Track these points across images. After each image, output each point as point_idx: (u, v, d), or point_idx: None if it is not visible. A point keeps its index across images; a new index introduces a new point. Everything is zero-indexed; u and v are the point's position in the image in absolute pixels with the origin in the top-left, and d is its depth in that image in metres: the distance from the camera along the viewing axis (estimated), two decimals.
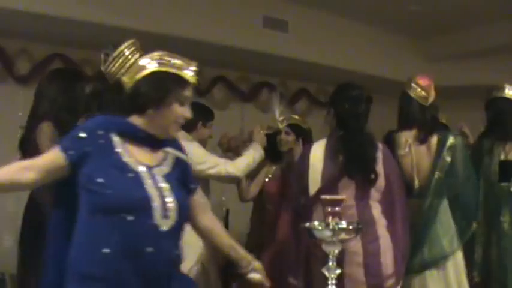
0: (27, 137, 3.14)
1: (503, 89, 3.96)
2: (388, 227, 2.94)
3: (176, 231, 2.05)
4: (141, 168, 2.04)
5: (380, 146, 3.01)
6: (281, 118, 4.16)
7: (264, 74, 6.80)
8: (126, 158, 2.04)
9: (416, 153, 3.42)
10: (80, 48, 5.38)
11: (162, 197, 2.02)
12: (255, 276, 2.17)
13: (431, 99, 3.51)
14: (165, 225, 1.99)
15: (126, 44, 2.74)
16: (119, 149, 2.05)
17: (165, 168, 2.12)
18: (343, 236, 1.76)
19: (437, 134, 3.46)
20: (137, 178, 2.02)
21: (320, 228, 1.77)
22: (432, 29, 6.93)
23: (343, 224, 1.75)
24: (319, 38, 6.35)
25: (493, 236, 3.81)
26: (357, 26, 6.75)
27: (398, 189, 2.98)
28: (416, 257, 3.27)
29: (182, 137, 3.64)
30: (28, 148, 3.09)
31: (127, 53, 2.72)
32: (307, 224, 1.80)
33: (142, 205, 1.98)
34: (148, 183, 2.02)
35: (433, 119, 3.52)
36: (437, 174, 3.35)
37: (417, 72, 7.02)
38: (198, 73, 2.16)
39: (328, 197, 1.80)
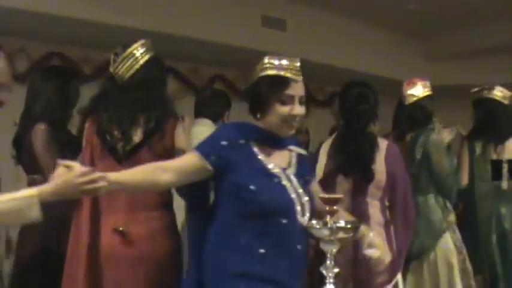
0: (22, 135, 3.13)
1: (492, 89, 3.97)
2: (385, 224, 2.95)
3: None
4: (280, 172, 2.18)
5: (384, 144, 3.02)
6: None
7: None
8: (268, 164, 2.18)
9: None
10: (78, 46, 5.38)
11: (299, 197, 2.15)
12: (374, 253, 2.35)
13: (410, 98, 3.63)
14: (304, 223, 2.11)
15: (135, 45, 2.74)
16: (260, 156, 2.18)
17: (293, 168, 2.24)
18: (341, 234, 1.76)
19: (412, 133, 3.60)
20: (280, 183, 2.15)
21: (318, 227, 1.77)
22: (431, 29, 6.94)
23: (342, 223, 1.75)
24: (317, 37, 6.35)
25: (493, 235, 3.85)
26: (356, 25, 6.75)
27: (403, 187, 3.01)
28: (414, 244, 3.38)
29: (208, 127, 3.67)
30: (22, 146, 3.09)
31: (137, 54, 2.72)
32: (306, 223, 1.80)
33: (290, 207, 2.11)
34: (288, 186, 2.16)
35: (410, 117, 3.63)
36: (411, 171, 3.42)
37: (416, 72, 7.07)
38: (299, 69, 2.20)
39: (326, 195, 1.80)
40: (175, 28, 5.36)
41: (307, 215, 2.14)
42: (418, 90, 3.65)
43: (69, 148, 2.94)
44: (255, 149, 2.19)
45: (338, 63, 6.49)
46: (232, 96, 6.67)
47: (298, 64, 2.18)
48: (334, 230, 1.74)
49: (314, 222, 1.79)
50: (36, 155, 2.96)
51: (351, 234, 1.77)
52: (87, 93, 3.02)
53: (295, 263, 2.14)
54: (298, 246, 2.13)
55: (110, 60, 2.78)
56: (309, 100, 7.47)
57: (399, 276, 2.98)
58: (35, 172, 3.02)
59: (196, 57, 6.18)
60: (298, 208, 2.13)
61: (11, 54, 5.26)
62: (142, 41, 2.77)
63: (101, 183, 1.94)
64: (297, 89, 2.17)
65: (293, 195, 2.14)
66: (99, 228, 2.62)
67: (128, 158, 2.61)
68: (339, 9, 6.41)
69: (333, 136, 3.17)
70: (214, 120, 3.78)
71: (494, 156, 3.89)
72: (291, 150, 2.28)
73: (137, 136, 2.64)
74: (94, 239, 2.61)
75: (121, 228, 2.57)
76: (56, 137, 2.98)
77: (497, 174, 3.86)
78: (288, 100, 2.15)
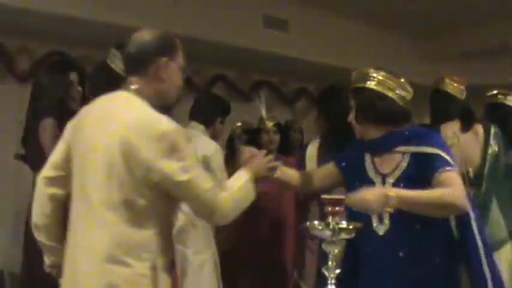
0: (30, 133, 3.14)
1: (508, 95, 3.96)
2: None
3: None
4: (377, 179, 2.28)
5: None
6: (267, 117, 4.14)
7: (264, 73, 6.81)
8: (370, 173, 2.31)
9: (464, 143, 3.47)
10: (80, 46, 5.37)
11: None
12: None
13: (464, 92, 3.63)
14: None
15: None
16: (366, 165, 2.33)
17: (398, 172, 2.27)
18: (343, 235, 1.76)
19: (481, 124, 3.56)
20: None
21: (320, 228, 1.77)
22: (432, 29, 6.93)
23: (343, 224, 1.75)
24: (319, 37, 6.35)
25: None
26: (357, 26, 6.75)
27: None
28: None
29: (202, 133, 3.68)
30: (30, 143, 3.09)
31: None
32: (308, 224, 1.80)
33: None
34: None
35: (470, 110, 3.61)
36: (489, 161, 3.42)
37: (416, 72, 7.07)
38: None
39: (328, 196, 1.80)
40: (177, 28, 5.34)
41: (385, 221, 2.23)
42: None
43: None
44: (366, 159, 2.36)
45: (339, 63, 6.49)
46: (233, 96, 6.72)
47: None
48: (336, 231, 1.74)
49: (316, 223, 1.79)
50: (44, 149, 2.96)
51: (353, 235, 1.77)
52: None
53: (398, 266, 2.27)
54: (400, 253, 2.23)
55: (113, 56, 2.80)
56: (310, 100, 7.44)
57: None
58: (39, 169, 3.01)
59: (198, 57, 6.17)
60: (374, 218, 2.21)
61: (13, 53, 5.27)
62: None
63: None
64: None
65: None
66: None
67: None
68: (340, 10, 6.41)
69: (317, 142, 3.20)
70: (206, 125, 3.75)
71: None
72: (402, 152, 2.29)
73: None
74: None
75: None
76: (63, 131, 2.99)
77: None
78: None
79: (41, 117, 3.03)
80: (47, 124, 2.98)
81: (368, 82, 2.37)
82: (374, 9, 6.34)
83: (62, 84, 3.12)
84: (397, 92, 2.31)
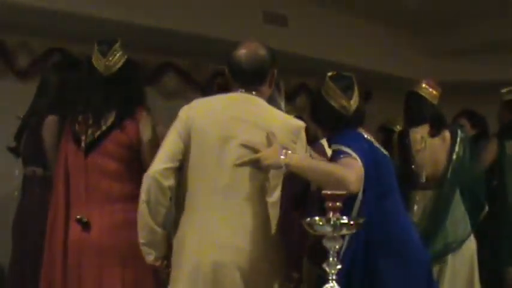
0: (26, 127, 3.14)
1: None
2: None
3: None
4: None
5: None
6: (287, 109, 4.13)
7: None
8: None
9: (431, 147, 3.60)
10: (79, 42, 5.36)
11: None
12: None
13: (438, 97, 3.74)
14: None
15: (118, 44, 2.81)
16: None
17: None
18: (344, 231, 1.75)
19: (449, 129, 3.68)
20: None
21: (321, 223, 1.76)
22: (432, 25, 6.92)
23: (345, 219, 1.74)
24: (319, 33, 6.34)
25: None
26: (357, 22, 6.74)
27: None
28: (438, 243, 3.45)
29: None
30: (27, 138, 3.09)
31: (121, 52, 2.79)
32: (308, 219, 1.79)
33: None
34: None
35: (441, 115, 3.74)
36: (452, 165, 3.54)
37: (418, 68, 7.06)
38: None
39: (329, 192, 1.79)
40: (176, 24, 5.36)
41: None
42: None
43: None
44: None
45: (339, 59, 6.48)
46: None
47: None
48: (338, 227, 1.73)
49: (317, 218, 1.78)
50: (45, 147, 2.98)
51: (354, 231, 1.76)
52: None
53: None
54: None
55: (94, 56, 2.81)
56: (308, 96, 7.43)
57: None
58: (37, 164, 3.03)
59: (198, 53, 6.17)
60: None
61: (12, 50, 5.27)
62: (120, 41, 2.86)
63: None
64: None
65: None
66: (69, 218, 2.71)
67: (92, 149, 2.67)
68: (340, 6, 6.41)
69: None
70: None
71: None
72: None
73: (104, 127, 2.69)
74: (66, 228, 2.74)
75: (78, 216, 2.62)
76: (63, 128, 3.00)
77: None
78: None
79: (44, 114, 3.03)
80: (51, 121, 3.00)
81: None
82: (374, 5, 6.33)
83: (71, 84, 3.13)
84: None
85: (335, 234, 1.73)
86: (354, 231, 1.77)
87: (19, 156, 3.25)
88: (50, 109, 3.07)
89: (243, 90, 2.35)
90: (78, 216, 2.67)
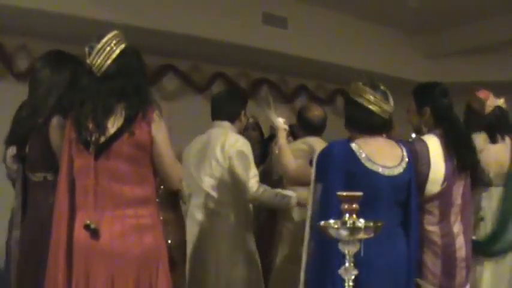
0: (29, 131, 3.05)
1: None
2: None
3: None
4: None
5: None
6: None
7: (264, 70, 6.78)
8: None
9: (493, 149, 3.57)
10: (79, 44, 5.31)
11: None
12: None
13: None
14: None
15: (109, 35, 2.72)
16: None
17: None
18: (361, 235, 1.68)
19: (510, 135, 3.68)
20: None
21: (336, 226, 1.70)
22: (432, 26, 6.92)
23: (361, 223, 1.68)
24: (318, 35, 6.33)
25: None
26: (357, 23, 6.73)
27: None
28: (499, 241, 3.44)
29: (226, 128, 3.67)
30: (33, 143, 2.99)
31: (112, 44, 2.69)
32: (322, 222, 1.74)
33: None
34: None
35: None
36: None
37: (416, 69, 7.05)
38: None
39: (344, 193, 1.73)
40: (177, 26, 5.33)
41: None
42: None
43: None
44: None
45: (339, 60, 6.47)
46: None
47: None
48: (354, 230, 1.67)
49: (332, 221, 1.72)
50: (53, 148, 2.87)
51: (371, 235, 1.68)
52: None
53: None
54: None
55: (86, 53, 2.74)
56: (309, 98, 7.43)
57: None
58: (45, 170, 2.91)
59: (197, 55, 6.14)
60: None
61: (12, 52, 5.23)
62: (114, 32, 2.74)
63: None
64: None
65: None
66: (74, 223, 2.62)
67: (102, 151, 2.59)
68: (339, 7, 6.40)
69: (435, 139, 3.11)
70: (232, 121, 3.76)
71: None
72: None
73: (113, 128, 2.60)
74: (70, 234, 2.60)
75: (88, 222, 2.53)
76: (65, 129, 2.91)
77: None
78: None
79: (50, 114, 2.94)
80: (59, 121, 2.90)
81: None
82: (374, 6, 6.33)
83: (70, 82, 3.05)
84: None
85: (351, 238, 1.67)
86: (371, 235, 1.69)
87: (24, 162, 3.10)
88: (54, 109, 2.96)
89: None
90: (87, 222, 2.57)
